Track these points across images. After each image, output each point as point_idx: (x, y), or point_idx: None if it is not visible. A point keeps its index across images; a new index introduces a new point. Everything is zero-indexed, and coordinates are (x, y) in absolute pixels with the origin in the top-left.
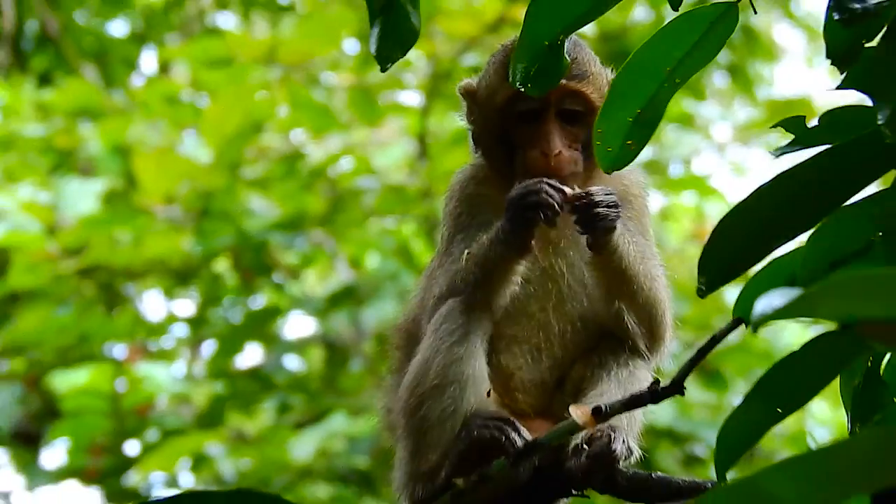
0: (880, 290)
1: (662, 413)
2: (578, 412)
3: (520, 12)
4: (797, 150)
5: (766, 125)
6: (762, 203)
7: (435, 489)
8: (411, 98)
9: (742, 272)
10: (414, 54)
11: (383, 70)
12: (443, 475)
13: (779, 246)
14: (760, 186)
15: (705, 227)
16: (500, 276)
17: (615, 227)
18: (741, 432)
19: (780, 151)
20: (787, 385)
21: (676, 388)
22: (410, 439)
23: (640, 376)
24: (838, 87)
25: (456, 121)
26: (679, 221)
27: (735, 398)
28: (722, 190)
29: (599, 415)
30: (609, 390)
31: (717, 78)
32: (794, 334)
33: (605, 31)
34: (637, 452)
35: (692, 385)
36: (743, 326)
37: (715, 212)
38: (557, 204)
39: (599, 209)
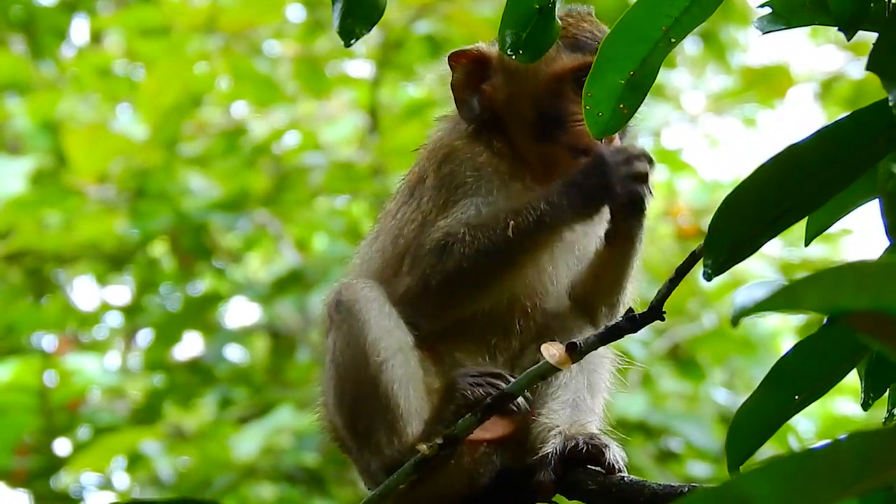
0: (867, 279)
1: (634, 405)
2: (551, 350)
3: None
4: (782, 27)
5: (741, 94)
6: (767, 180)
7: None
8: (361, 69)
9: (749, 254)
10: None
11: (347, 46)
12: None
13: (788, 225)
14: (765, 162)
15: (677, 205)
16: (547, 242)
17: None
18: (755, 423)
19: (766, 28)
20: (806, 369)
21: (655, 313)
22: (368, 420)
23: (601, 353)
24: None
25: (409, 92)
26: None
27: (712, 388)
28: (694, 164)
29: (574, 351)
30: (572, 376)
31: (688, 44)
32: (774, 320)
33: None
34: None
35: (665, 374)
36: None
37: (687, 187)
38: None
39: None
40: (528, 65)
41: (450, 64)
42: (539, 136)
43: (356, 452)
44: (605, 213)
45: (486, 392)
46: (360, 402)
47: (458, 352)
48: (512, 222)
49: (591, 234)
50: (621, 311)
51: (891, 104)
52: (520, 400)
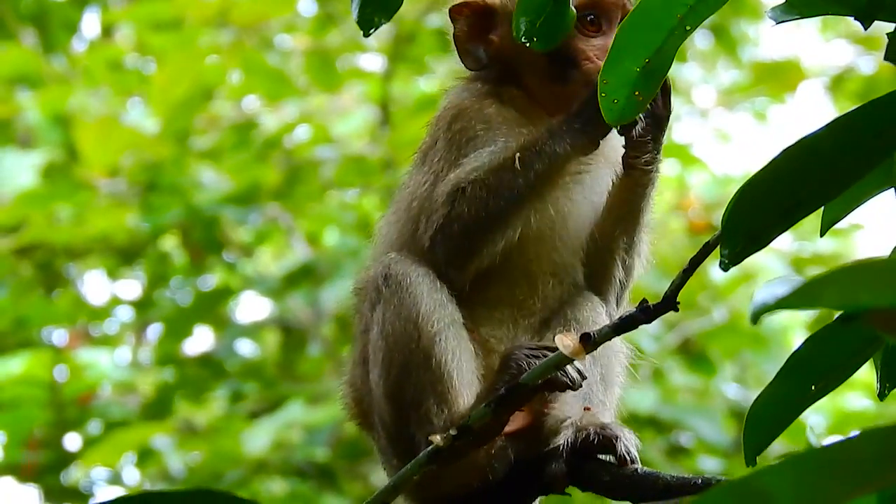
0: (887, 277)
1: (644, 399)
2: (566, 341)
3: None
4: (796, 17)
5: (751, 88)
6: (782, 170)
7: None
8: (372, 62)
9: (764, 245)
10: None
11: (366, 36)
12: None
13: (803, 216)
14: (780, 152)
15: (688, 199)
16: (555, 175)
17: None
18: (772, 412)
19: (781, 18)
20: (824, 359)
21: (669, 304)
22: (417, 391)
23: (615, 346)
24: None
25: (420, 86)
26: (659, 193)
27: (723, 383)
28: (705, 159)
29: (588, 342)
30: (586, 368)
31: (698, 38)
32: (786, 314)
33: None
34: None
35: (675, 369)
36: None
37: (698, 182)
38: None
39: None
40: None
41: (451, 17)
42: (553, 77)
43: (393, 427)
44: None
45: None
46: (410, 372)
47: (482, 328)
48: (518, 155)
49: (604, 191)
50: (638, 263)
51: None
52: (574, 374)
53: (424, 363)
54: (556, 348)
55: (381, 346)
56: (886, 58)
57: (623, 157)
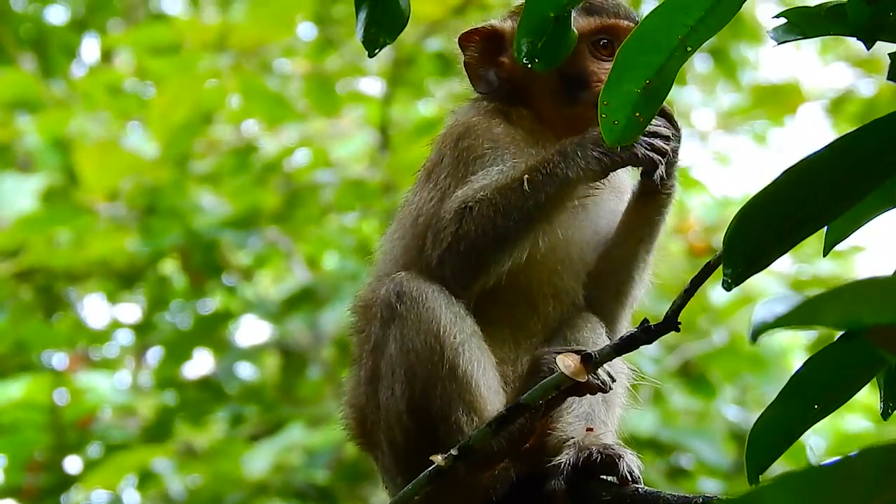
0: (888, 294)
1: (644, 421)
2: (567, 361)
3: None
4: (798, 37)
5: (751, 111)
6: (784, 191)
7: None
8: (372, 86)
9: (767, 264)
10: None
11: (371, 56)
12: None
13: (805, 236)
14: (781, 173)
15: (688, 221)
16: (565, 198)
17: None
18: (774, 433)
19: (782, 38)
20: (825, 379)
21: (671, 324)
22: (444, 402)
23: (617, 367)
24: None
25: (420, 110)
26: None
27: (723, 405)
28: (705, 181)
29: (590, 362)
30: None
31: (698, 61)
32: (785, 336)
33: None
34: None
35: (675, 391)
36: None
37: (698, 204)
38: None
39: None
40: None
41: (461, 45)
42: (565, 99)
43: (410, 444)
44: (624, 184)
45: None
46: (436, 384)
47: (491, 342)
48: (527, 177)
49: (613, 213)
50: (644, 283)
51: None
52: (604, 376)
53: (450, 374)
54: (583, 350)
55: (402, 361)
56: (889, 77)
57: (644, 185)
